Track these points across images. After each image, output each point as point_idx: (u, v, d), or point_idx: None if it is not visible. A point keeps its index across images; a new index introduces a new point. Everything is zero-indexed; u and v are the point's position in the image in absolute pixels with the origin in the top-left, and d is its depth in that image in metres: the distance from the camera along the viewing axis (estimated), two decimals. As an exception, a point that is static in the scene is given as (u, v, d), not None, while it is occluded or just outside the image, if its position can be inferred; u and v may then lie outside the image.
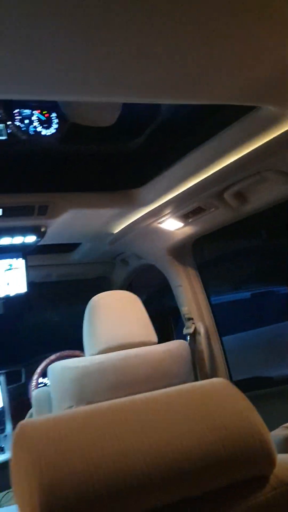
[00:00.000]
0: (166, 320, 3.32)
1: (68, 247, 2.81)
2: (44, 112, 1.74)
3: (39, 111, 1.73)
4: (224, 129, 1.45)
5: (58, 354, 2.81)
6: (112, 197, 1.94)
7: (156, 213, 1.97)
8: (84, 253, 2.75)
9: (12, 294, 2.30)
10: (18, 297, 2.39)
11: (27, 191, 1.82)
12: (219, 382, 0.78)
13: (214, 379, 0.80)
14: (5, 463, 2.70)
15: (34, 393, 1.95)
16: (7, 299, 2.38)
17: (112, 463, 0.63)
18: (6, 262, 2.25)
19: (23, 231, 2.00)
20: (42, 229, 2.01)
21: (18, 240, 2.05)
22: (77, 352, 2.82)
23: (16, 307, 3.38)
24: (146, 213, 2.00)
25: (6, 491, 2.68)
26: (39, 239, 2.10)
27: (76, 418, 0.70)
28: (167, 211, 1.94)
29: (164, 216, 1.99)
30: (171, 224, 2.06)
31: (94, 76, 0.91)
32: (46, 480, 0.60)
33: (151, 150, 1.86)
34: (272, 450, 0.72)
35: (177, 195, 1.79)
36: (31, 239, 2.06)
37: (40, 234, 2.04)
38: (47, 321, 3.94)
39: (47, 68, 0.86)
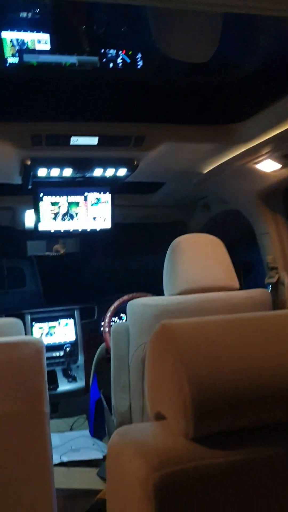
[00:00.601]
0: (237, 273, 3.28)
1: (150, 188, 2.78)
2: (129, 53, 1.68)
3: (124, 51, 1.67)
4: None
5: (131, 295, 2.86)
6: (210, 131, 1.86)
7: (254, 152, 1.88)
8: (166, 194, 2.71)
9: (98, 229, 2.31)
10: (95, 235, 2.40)
11: (124, 121, 1.79)
12: None
13: None
14: (77, 391, 2.83)
15: (113, 326, 2.00)
16: (87, 235, 2.40)
17: (258, 371, 0.63)
18: (94, 195, 2.25)
19: (116, 163, 1.97)
20: (135, 162, 1.98)
21: (109, 172, 2.03)
22: (149, 295, 2.85)
23: (91, 246, 3.44)
24: (242, 152, 1.91)
25: (78, 416, 2.83)
26: (130, 173, 2.07)
27: (217, 324, 0.69)
28: (267, 150, 1.83)
29: (262, 155, 1.89)
30: (268, 165, 1.97)
31: None
32: (197, 374, 0.62)
33: (256, 82, 1.75)
34: None
35: (281, 132, 1.68)
36: (122, 172, 2.04)
37: (132, 168, 2.01)
38: (121, 262, 3.99)
39: None
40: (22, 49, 1.64)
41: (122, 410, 1.89)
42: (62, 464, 2.25)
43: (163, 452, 0.61)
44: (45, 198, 2.18)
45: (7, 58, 1.62)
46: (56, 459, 2.20)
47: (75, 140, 1.76)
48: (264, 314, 0.75)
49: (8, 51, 1.63)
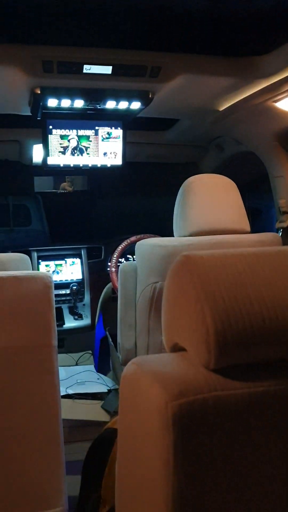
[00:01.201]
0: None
1: (163, 126, 2.69)
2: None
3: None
4: None
5: (138, 236, 2.84)
6: (229, 63, 1.75)
7: (275, 88, 1.78)
8: (179, 132, 2.62)
9: (108, 165, 2.25)
10: (105, 172, 2.34)
11: (140, 49, 1.68)
12: None
13: None
14: (83, 329, 2.88)
15: (121, 266, 1.98)
16: (97, 171, 2.34)
17: (282, 303, 0.62)
18: (105, 130, 2.17)
19: (130, 95, 1.88)
20: (150, 95, 1.88)
21: (122, 105, 1.94)
22: (157, 237, 2.83)
23: (100, 186, 3.38)
24: (262, 88, 1.81)
25: (83, 352, 2.89)
26: (144, 107, 1.98)
27: (241, 256, 0.67)
28: None
29: (283, 92, 1.80)
30: (289, 103, 1.88)
31: None
32: (220, 304, 0.60)
33: (281, 13, 1.63)
34: None
35: None
36: (136, 105, 1.95)
37: (147, 101, 1.91)
38: (129, 203, 3.94)
39: None
40: None
41: (127, 347, 1.92)
42: (67, 396, 2.31)
43: (183, 381, 0.60)
44: (54, 131, 2.11)
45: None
46: (62, 391, 2.26)
47: (88, 69, 1.67)
48: None
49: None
